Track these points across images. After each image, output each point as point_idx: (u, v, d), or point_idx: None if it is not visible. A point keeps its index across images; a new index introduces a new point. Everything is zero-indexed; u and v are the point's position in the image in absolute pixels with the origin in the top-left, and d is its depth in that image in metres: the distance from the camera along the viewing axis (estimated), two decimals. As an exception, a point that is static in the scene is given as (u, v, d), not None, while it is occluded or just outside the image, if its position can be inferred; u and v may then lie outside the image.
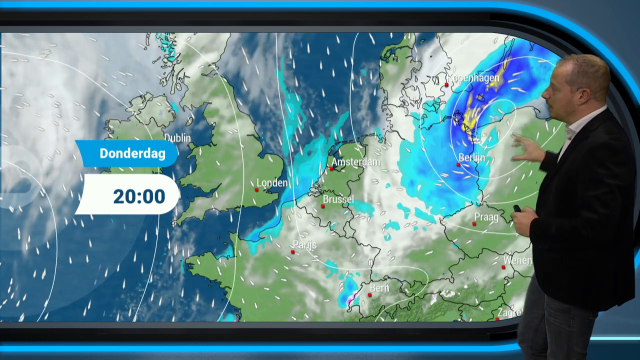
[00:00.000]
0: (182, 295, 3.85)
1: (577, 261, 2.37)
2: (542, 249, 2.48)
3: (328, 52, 3.78)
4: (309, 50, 3.79)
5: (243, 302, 3.86)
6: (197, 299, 3.85)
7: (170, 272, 3.84)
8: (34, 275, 3.82)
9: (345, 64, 3.79)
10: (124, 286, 3.84)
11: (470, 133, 3.81)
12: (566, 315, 2.43)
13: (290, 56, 3.80)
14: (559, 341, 2.47)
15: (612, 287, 2.38)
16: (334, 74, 3.80)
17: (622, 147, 2.26)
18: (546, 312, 2.52)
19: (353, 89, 3.80)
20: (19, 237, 3.82)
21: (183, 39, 3.77)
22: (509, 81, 3.79)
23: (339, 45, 3.79)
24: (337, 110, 3.80)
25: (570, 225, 2.28)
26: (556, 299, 2.44)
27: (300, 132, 3.81)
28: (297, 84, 3.80)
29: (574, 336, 2.43)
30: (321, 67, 3.79)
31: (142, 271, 3.84)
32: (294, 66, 3.80)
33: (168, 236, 3.83)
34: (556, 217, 2.38)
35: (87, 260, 3.82)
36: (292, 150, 3.82)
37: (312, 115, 3.81)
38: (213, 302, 3.85)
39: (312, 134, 3.82)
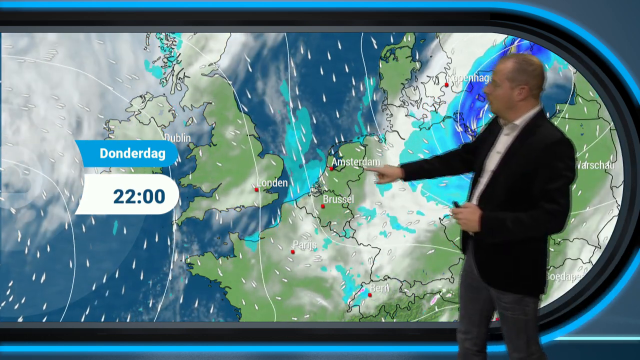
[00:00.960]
0: (182, 295, 3.85)
1: (529, 251, 2.46)
2: (486, 245, 2.49)
3: (328, 53, 3.79)
4: (309, 51, 3.79)
5: (243, 302, 3.86)
6: (197, 299, 3.85)
7: (170, 272, 3.84)
8: (34, 275, 3.82)
9: (346, 64, 3.79)
10: (123, 286, 3.84)
11: (471, 133, 3.82)
12: (521, 305, 2.49)
13: (291, 56, 3.80)
14: (519, 332, 2.52)
15: (544, 271, 2.55)
16: (334, 74, 3.80)
17: (572, 144, 2.42)
18: (499, 307, 2.55)
19: (354, 89, 3.80)
20: (19, 238, 3.82)
21: (183, 39, 3.77)
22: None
23: (339, 45, 3.79)
24: (337, 112, 3.81)
25: (531, 217, 2.36)
26: (510, 292, 2.48)
27: (302, 132, 3.82)
28: (297, 84, 3.80)
29: (530, 324, 2.51)
30: (321, 67, 3.79)
31: (142, 271, 3.84)
32: (294, 66, 3.80)
33: (168, 236, 3.83)
34: (503, 211, 2.43)
35: (87, 260, 3.82)
36: (294, 155, 3.82)
37: (313, 116, 3.81)
38: (213, 302, 3.85)
39: (313, 135, 3.82)
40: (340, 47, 3.79)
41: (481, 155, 2.60)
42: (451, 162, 2.84)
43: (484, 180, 2.54)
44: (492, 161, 2.52)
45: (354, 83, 3.80)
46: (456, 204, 2.50)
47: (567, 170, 2.36)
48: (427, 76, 3.80)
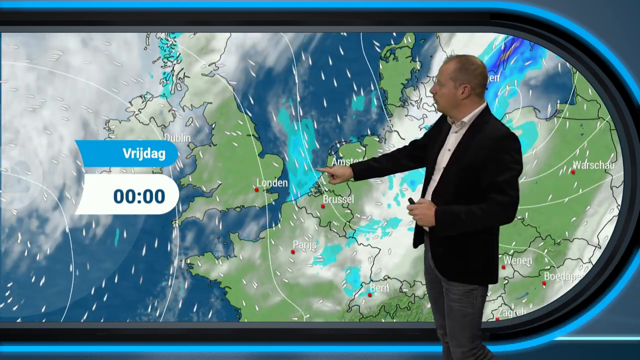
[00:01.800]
0: (182, 295, 3.85)
1: (480, 243, 2.54)
2: (439, 237, 2.55)
3: (328, 53, 3.79)
4: (309, 51, 3.79)
5: (243, 303, 3.86)
6: (197, 299, 3.85)
7: (170, 272, 3.84)
8: (34, 275, 3.82)
9: (345, 64, 3.80)
10: (123, 286, 3.84)
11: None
12: (470, 297, 2.55)
13: (291, 56, 3.80)
14: (462, 325, 2.58)
15: (496, 262, 2.63)
16: (334, 75, 3.80)
17: (518, 138, 2.51)
18: (447, 298, 2.60)
19: (354, 90, 3.80)
20: (19, 238, 3.82)
21: (183, 39, 3.77)
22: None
23: (338, 45, 3.79)
24: (337, 116, 3.81)
25: (482, 209, 2.44)
26: (461, 282, 2.55)
27: (303, 134, 3.82)
28: (297, 83, 3.81)
29: (476, 317, 2.59)
30: (321, 67, 3.80)
31: (142, 271, 3.83)
32: (294, 66, 3.80)
33: (168, 236, 3.83)
34: (456, 205, 2.49)
35: (87, 260, 3.82)
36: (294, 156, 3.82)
37: (313, 116, 3.82)
38: (213, 302, 3.85)
39: (314, 135, 3.82)
40: (342, 47, 3.79)
41: (432, 152, 2.67)
42: (400, 160, 2.90)
43: (436, 177, 2.60)
44: (444, 158, 2.59)
45: (354, 83, 3.80)
46: (411, 200, 2.56)
47: (514, 163, 2.45)
48: (427, 76, 3.80)
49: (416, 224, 2.73)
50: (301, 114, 3.81)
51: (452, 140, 2.59)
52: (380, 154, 3.04)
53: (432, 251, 2.62)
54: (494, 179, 2.43)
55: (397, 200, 3.84)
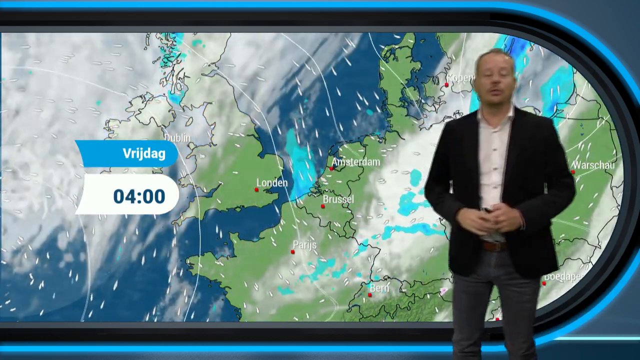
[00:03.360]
0: (181, 295, 3.85)
1: (549, 232, 2.62)
2: (518, 239, 2.49)
3: (327, 52, 3.79)
4: (309, 51, 3.80)
5: (244, 303, 3.86)
6: (197, 299, 3.85)
7: (170, 272, 3.84)
8: (34, 275, 3.82)
9: (345, 64, 3.80)
10: (123, 286, 3.84)
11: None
12: (538, 290, 2.61)
13: (291, 56, 3.80)
14: (531, 319, 2.60)
15: None
16: (334, 75, 3.80)
17: None
18: (517, 300, 2.56)
19: (354, 89, 3.81)
20: (19, 238, 3.82)
21: (183, 39, 3.77)
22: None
23: (337, 45, 3.80)
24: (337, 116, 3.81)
25: (557, 196, 2.54)
26: (536, 277, 2.57)
27: (303, 132, 3.82)
28: (297, 83, 3.81)
29: (535, 308, 2.63)
30: (322, 67, 3.80)
31: (142, 271, 3.84)
32: (294, 66, 3.80)
33: (168, 236, 3.83)
34: (526, 200, 2.49)
35: (87, 260, 3.82)
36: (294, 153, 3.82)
37: (313, 117, 3.82)
38: (213, 302, 3.85)
39: (315, 135, 3.82)
40: (338, 45, 3.79)
41: (465, 161, 2.56)
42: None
43: (490, 180, 2.53)
44: (492, 160, 2.53)
45: (354, 83, 3.80)
46: (488, 210, 2.47)
47: (563, 147, 2.60)
48: (427, 76, 3.80)
49: (459, 246, 2.62)
50: (301, 113, 3.81)
51: (497, 140, 2.54)
52: (440, 196, 2.71)
53: (513, 256, 2.51)
54: (559, 163, 2.54)
55: (398, 199, 3.84)
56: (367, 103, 3.80)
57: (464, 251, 2.60)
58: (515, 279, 2.54)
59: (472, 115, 2.66)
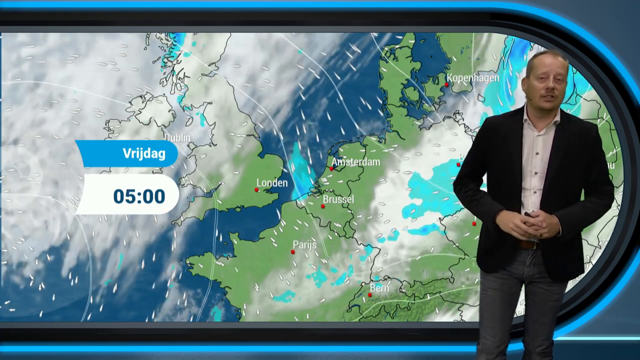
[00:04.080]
0: (181, 295, 3.85)
1: (580, 236, 2.63)
2: (554, 244, 2.49)
3: (327, 51, 3.79)
4: (308, 50, 3.79)
5: (244, 303, 3.86)
6: (197, 299, 3.85)
7: (170, 272, 3.84)
8: (34, 275, 3.82)
9: (346, 64, 3.80)
10: (123, 286, 3.84)
11: (471, 133, 3.82)
12: (563, 292, 2.65)
13: (292, 56, 3.80)
14: (555, 317, 2.67)
15: None
16: (334, 75, 3.80)
17: None
18: (545, 299, 2.60)
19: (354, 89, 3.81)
20: (19, 238, 3.82)
21: (183, 39, 3.77)
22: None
23: (338, 44, 3.80)
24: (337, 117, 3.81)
25: (597, 203, 2.54)
26: (568, 279, 2.62)
27: (304, 132, 3.82)
28: (296, 83, 3.81)
29: (559, 308, 2.69)
30: (321, 67, 3.80)
31: (142, 271, 3.84)
32: (293, 65, 3.80)
33: (168, 236, 3.83)
34: (567, 205, 2.50)
35: (87, 260, 3.82)
36: (292, 152, 3.82)
37: (313, 116, 3.82)
38: (213, 302, 3.85)
39: (316, 134, 3.82)
40: (339, 45, 3.79)
41: (505, 163, 2.52)
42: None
43: (532, 184, 2.49)
44: (535, 163, 2.50)
45: (354, 82, 3.80)
46: (529, 215, 2.46)
47: (604, 154, 2.59)
48: (427, 76, 3.80)
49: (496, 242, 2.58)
50: (303, 118, 3.81)
51: (541, 143, 2.50)
52: (476, 193, 2.67)
53: (547, 259, 2.51)
54: (602, 171, 2.55)
55: (398, 198, 3.84)
56: (367, 103, 3.80)
57: (502, 249, 2.56)
58: (545, 277, 2.56)
59: (516, 114, 2.59)
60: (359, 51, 3.79)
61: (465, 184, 2.70)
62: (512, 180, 2.52)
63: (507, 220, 2.47)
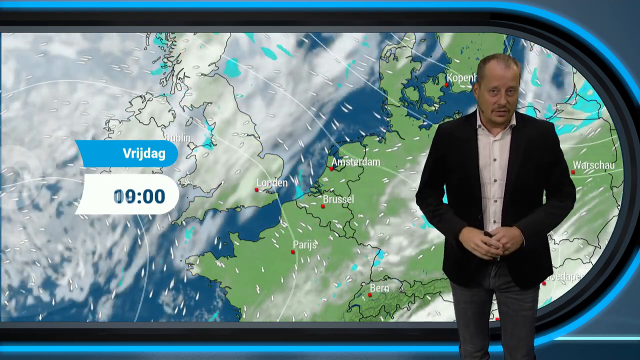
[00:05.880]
0: (182, 295, 3.85)
1: (545, 239, 2.52)
2: (517, 254, 2.38)
3: (327, 51, 3.79)
4: (305, 49, 3.80)
5: (244, 304, 3.86)
6: (197, 299, 3.85)
7: (170, 272, 3.84)
8: (34, 275, 3.82)
9: (345, 64, 3.80)
10: (123, 286, 3.84)
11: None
12: (537, 296, 2.51)
13: (290, 56, 3.80)
14: (532, 327, 2.51)
15: None
16: (334, 74, 3.80)
17: None
18: (517, 309, 2.47)
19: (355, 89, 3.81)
20: (19, 238, 3.82)
21: (183, 39, 3.77)
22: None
23: (338, 44, 3.80)
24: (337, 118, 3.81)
25: (558, 207, 2.43)
26: (536, 284, 2.49)
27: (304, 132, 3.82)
28: (296, 83, 3.81)
29: (535, 316, 2.54)
30: (321, 66, 3.80)
31: (142, 271, 3.84)
32: (293, 65, 3.80)
33: (168, 236, 3.83)
34: (529, 212, 2.38)
35: (86, 260, 3.82)
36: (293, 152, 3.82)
37: (313, 116, 3.82)
38: (213, 302, 3.85)
39: (315, 134, 3.82)
40: (339, 44, 3.80)
41: (462, 171, 2.42)
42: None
43: (492, 191, 2.39)
44: (494, 171, 2.38)
45: (354, 83, 3.80)
46: (487, 233, 2.36)
47: (563, 154, 2.48)
48: (427, 76, 3.80)
49: (459, 259, 2.49)
50: (301, 113, 3.81)
51: (497, 149, 2.38)
52: (437, 208, 2.56)
53: (512, 270, 2.42)
54: (563, 172, 2.44)
55: (398, 198, 3.84)
56: (367, 103, 3.80)
57: (467, 265, 2.46)
58: (513, 286, 2.45)
59: (469, 120, 2.46)
60: (359, 51, 3.79)
61: (425, 198, 2.58)
62: (471, 190, 2.40)
63: (469, 240, 2.36)
